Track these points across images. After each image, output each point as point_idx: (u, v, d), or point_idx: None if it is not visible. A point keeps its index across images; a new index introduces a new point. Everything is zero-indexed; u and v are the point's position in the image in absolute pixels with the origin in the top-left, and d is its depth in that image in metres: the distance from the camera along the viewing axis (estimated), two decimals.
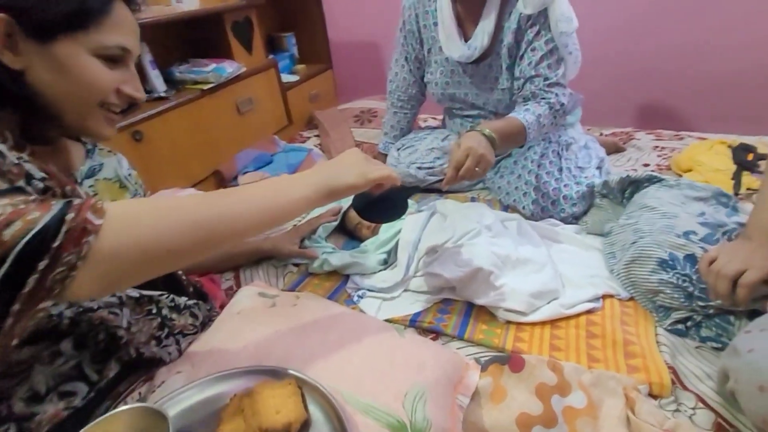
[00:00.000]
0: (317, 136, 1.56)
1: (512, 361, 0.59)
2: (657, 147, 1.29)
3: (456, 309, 0.75)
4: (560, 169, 0.96)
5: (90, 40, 0.46)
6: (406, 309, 0.76)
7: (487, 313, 0.74)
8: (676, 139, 1.33)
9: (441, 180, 1.12)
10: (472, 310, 0.74)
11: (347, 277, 0.85)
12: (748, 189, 1.02)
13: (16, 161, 0.39)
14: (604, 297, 0.75)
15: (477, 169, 0.77)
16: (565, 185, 0.93)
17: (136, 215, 0.39)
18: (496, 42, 0.95)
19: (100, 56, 0.47)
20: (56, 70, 0.44)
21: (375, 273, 0.84)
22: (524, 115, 0.88)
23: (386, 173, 0.57)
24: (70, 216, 0.36)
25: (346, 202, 0.95)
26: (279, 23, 1.77)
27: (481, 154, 0.77)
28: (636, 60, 1.63)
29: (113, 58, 0.48)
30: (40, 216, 0.35)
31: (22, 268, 0.34)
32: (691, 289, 0.66)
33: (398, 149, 1.15)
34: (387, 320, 0.74)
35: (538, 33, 0.91)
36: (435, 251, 0.82)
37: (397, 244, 0.86)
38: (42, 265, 0.34)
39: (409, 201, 1.04)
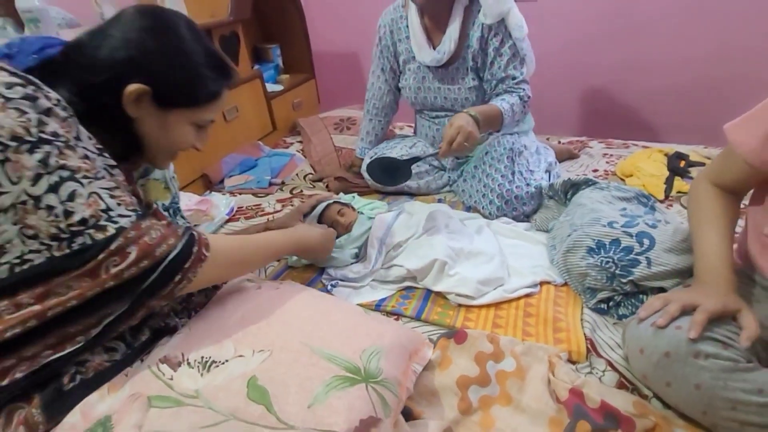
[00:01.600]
0: (300, 141, 1.66)
1: (457, 335, 0.71)
2: (606, 154, 1.43)
3: (416, 295, 0.86)
4: (513, 173, 1.08)
5: (195, 115, 0.61)
6: (373, 296, 0.87)
7: (442, 298, 0.85)
8: (623, 147, 1.47)
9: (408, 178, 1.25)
10: (430, 296, 0.86)
11: (323, 269, 0.95)
12: (678, 192, 1.16)
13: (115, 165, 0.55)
14: (542, 283, 0.87)
15: (466, 143, 0.92)
16: (516, 187, 1.06)
17: (225, 251, 0.59)
18: (462, 47, 1.10)
19: (194, 124, 0.62)
20: (160, 127, 0.59)
21: (347, 265, 0.95)
22: (501, 103, 1.04)
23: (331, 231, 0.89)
24: (195, 249, 0.53)
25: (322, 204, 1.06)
26: (265, 35, 1.87)
27: (469, 132, 0.91)
28: (592, 74, 1.79)
29: (201, 126, 0.63)
30: (175, 242, 0.51)
31: (164, 277, 0.50)
32: (613, 269, 0.78)
33: (371, 157, 1.27)
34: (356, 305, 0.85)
35: (501, 41, 1.06)
36: (400, 246, 0.93)
37: (367, 240, 0.96)
38: (177, 278, 0.51)
39: (381, 202, 1.16)
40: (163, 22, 0.57)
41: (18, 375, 0.46)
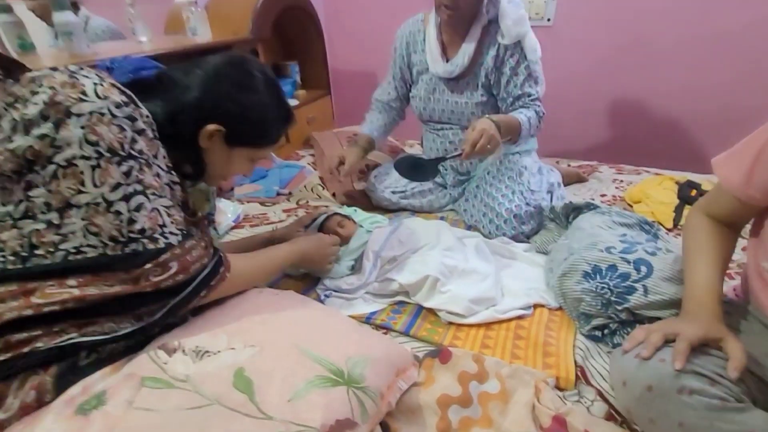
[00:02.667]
0: (312, 155, 1.70)
1: (442, 354, 0.70)
2: (616, 180, 1.41)
3: (407, 310, 0.86)
4: (513, 192, 1.08)
5: (255, 154, 0.71)
6: (364, 308, 0.87)
7: (433, 315, 0.84)
8: (635, 173, 1.45)
9: (408, 197, 1.26)
10: (421, 312, 0.85)
11: (318, 279, 0.97)
12: None
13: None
14: (536, 306, 0.85)
15: (488, 146, 0.93)
16: (516, 206, 1.05)
17: (241, 272, 0.68)
18: (475, 64, 1.12)
19: (251, 159, 0.71)
20: (223, 159, 0.68)
21: (342, 277, 0.96)
22: (518, 115, 1.06)
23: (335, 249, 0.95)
24: (222, 269, 0.63)
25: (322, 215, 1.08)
26: (285, 53, 1.96)
27: (491, 134, 0.93)
28: (605, 99, 1.78)
29: (254, 160, 0.72)
30: (207, 262, 0.61)
31: (193, 292, 0.59)
32: (608, 295, 0.76)
33: (375, 176, 1.29)
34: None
35: (517, 61, 1.09)
36: (394, 260, 0.94)
37: (363, 253, 0.97)
38: (202, 293, 0.61)
39: (383, 216, 1.17)
40: (247, 76, 0.65)
41: (39, 344, 0.51)
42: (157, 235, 0.55)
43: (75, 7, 1.39)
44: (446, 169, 1.28)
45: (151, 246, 0.54)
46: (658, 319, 0.74)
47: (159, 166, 0.58)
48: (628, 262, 0.78)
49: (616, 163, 1.54)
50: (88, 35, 1.37)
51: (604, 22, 1.67)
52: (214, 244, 0.80)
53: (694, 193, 1.21)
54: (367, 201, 1.30)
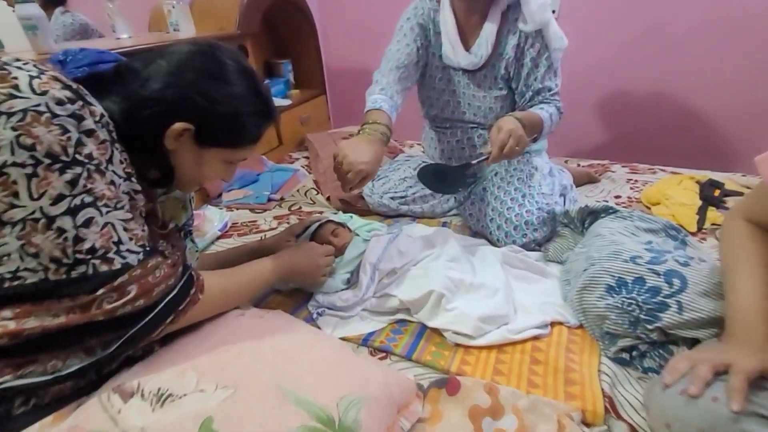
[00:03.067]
0: (306, 157, 1.62)
1: (449, 385, 0.61)
2: (631, 180, 1.32)
3: (409, 330, 0.77)
4: (523, 196, 0.99)
5: (231, 155, 0.61)
6: (361, 328, 0.78)
7: (438, 336, 0.75)
8: (650, 172, 1.36)
9: (409, 203, 1.16)
10: (425, 332, 0.76)
11: (311, 294, 0.88)
12: (712, 224, 1.04)
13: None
14: (554, 324, 0.76)
15: (517, 147, 0.84)
16: (527, 211, 0.96)
17: (216, 292, 0.60)
18: (494, 54, 1.02)
19: (227, 162, 0.62)
20: (194, 162, 0.59)
21: (337, 291, 0.87)
22: (540, 112, 0.96)
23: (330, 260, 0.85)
24: (192, 291, 0.55)
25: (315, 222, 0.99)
26: (277, 51, 1.87)
27: (520, 135, 0.84)
28: (616, 95, 1.69)
29: (233, 162, 0.63)
30: (174, 283, 0.53)
31: (157, 318, 0.51)
32: (636, 312, 0.67)
33: (372, 180, 1.20)
34: (342, 338, 0.76)
35: (539, 51, 0.98)
36: (394, 273, 0.85)
37: (360, 264, 0.88)
38: (168, 319, 0.52)
39: (381, 224, 1.08)
40: (217, 65, 0.56)
41: None
42: (111, 255, 0.47)
43: (59, 3, 1.30)
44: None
45: (104, 267, 0.46)
46: (695, 340, 0.65)
47: (115, 173, 0.49)
48: (658, 274, 0.69)
49: (629, 161, 1.45)
50: (63, 31, 1.29)
51: (612, 10, 1.57)
52: (189, 259, 0.71)
53: (717, 192, 1.12)
54: (364, 206, 1.21)
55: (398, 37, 1.06)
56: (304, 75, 1.88)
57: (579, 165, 1.44)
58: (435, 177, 0.93)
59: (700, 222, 1.04)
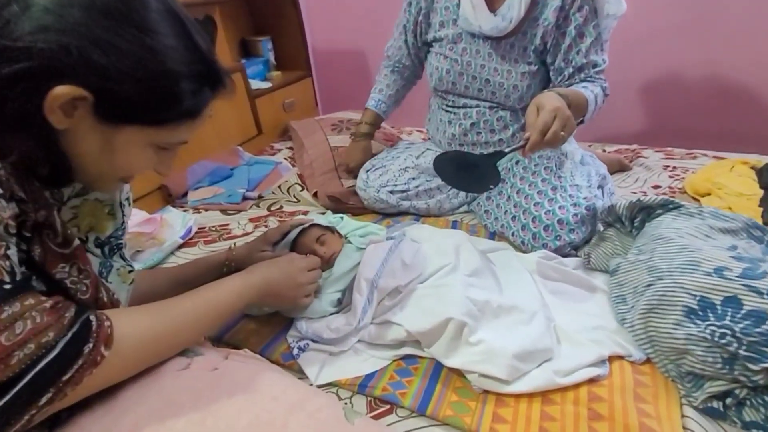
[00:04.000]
0: (290, 148, 1.41)
1: None
2: (668, 167, 1.13)
3: (420, 370, 0.58)
4: (554, 188, 0.80)
5: (158, 136, 0.42)
6: (357, 369, 0.59)
7: (459, 377, 0.57)
8: (689, 157, 1.17)
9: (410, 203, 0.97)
10: (441, 373, 0.58)
11: (291, 321, 0.68)
12: None
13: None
14: (611, 359, 0.58)
15: (562, 132, 0.65)
16: (560, 207, 0.77)
17: (137, 342, 0.42)
18: (527, 19, 0.83)
19: (154, 146, 0.43)
20: (102, 148, 0.41)
21: (325, 317, 0.68)
22: (584, 91, 0.78)
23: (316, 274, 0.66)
24: (87, 348, 0.37)
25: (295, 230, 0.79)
26: (256, 27, 1.65)
27: (567, 116, 0.66)
28: (647, 68, 1.48)
29: (166, 147, 0.45)
30: (53, 338, 0.35)
31: (24, 398, 0.33)
32: (734, 347, 0.49)
33: (367, 171, 1.00)
34: (331, 383, 0.57)
35: (586, 18, 0.80)
36: (398, 292, 0.66)
37: (353, 281, 0.69)
38: (45, 397, 0.35)
39: (378, 226, 0.88)
40: (125, 3, 0.37)
41: None
42: None
43: None
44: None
45: None
46: None
47: None
48: (760, 293, 0.51)
49: (662, 146, 1.26)
50: None
51: None
52: (115, 286, 0.50)
53: None
54: (357, 203, 1.01)
55: (398, 20, 0.98)
56: (287, 54, 1.67)
57: (605, 150, 1.26)
58: (458, 169, 0.72)
59: (765, 215, 0.86)
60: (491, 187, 0.74)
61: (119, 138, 0.40)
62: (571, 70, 0.83)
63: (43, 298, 0.37)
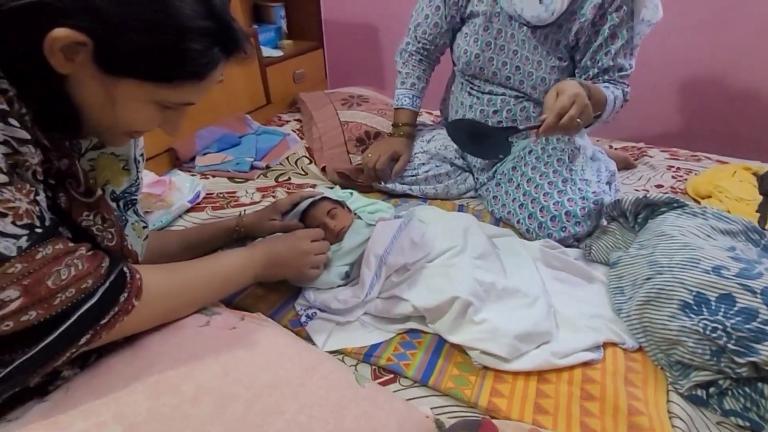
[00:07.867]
0: (298, 120, 1.40)
1: (483, 430, 0.45)
2: (672, 167, 1.15)
3: (424, 344, 0.61)
4: (564, 181, 0.81)
5: (160, 93, 0.41)
6: (363, 339, 0.62)
7: (461, 353, 0.59)
8: (693, 159, 1.19)
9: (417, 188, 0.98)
10: (443, 348, 0.60)
11: (299, 289, 0.70)
12: None
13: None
14: (606, 345, 0.61)
15: (579, 119, 0.67)
16: (569, 199, 0.79)
17: (161, 296, 0.44)
18: (567, 11, 0.82)
19: (157, 103, 0.42)
20: (104, 99, 0.40)
21: (333, 288, 0.69)
22: (605, 91, 0.79)
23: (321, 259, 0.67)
24: (123, 297, 0.39)
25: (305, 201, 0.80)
26: None
27: (586, 104, 0.68)
28: (658, 65, 1.48)
29: (170, 107, 0.44)
30: (93, 285, 0.38)
31: (63, 339, 0.36)
32: (723, 340, 0.52)
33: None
34: (338, 351, 0.60)
35: (622, 19, 0.80)
36: (406, 270, 0.68)
37: (362, 256, 0.71)
38: (83, 338, 0.37)
39: (387, 204, 0.90)
40: None
41: None
42: None
43: None
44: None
45: None
46: None
47: None
48: (753, 292, 0.53)
49: (667, 146, 1.28)
50: None
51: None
52: (131, 240, 0.51)
53: None
54: (365, 181, 1.02)
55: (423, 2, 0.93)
56: (299, 23, 1.63)
57: (611, 147, 1.27)
58: (470, 136, 0.75)
59: (762, 221, 0.89)
60: (501, 157, 0.78)
61: (119, 90, 0.40)
62: (596, 70, 0.84)
63: (72, 244, 0.38)
